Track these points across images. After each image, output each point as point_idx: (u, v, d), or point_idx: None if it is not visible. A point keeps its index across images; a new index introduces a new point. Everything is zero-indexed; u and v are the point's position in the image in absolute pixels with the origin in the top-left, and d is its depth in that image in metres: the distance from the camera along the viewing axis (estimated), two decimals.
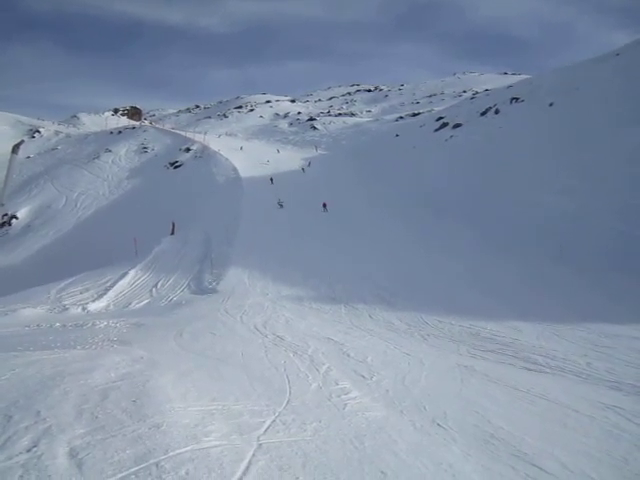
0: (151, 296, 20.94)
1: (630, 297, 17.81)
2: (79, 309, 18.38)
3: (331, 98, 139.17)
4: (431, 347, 12.48)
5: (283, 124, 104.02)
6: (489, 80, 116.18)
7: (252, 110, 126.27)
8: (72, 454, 4.35)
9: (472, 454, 5.97)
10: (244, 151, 65.08)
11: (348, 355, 10.70)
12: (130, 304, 19.64)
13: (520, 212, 30.56)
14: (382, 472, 5.05)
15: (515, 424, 7.11)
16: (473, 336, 13.43)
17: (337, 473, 4.85)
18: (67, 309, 18.24)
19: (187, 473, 4.24)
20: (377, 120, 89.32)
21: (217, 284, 21.61)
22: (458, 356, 11.57)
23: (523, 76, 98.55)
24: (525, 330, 14.04)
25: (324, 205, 37.78)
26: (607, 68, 46.11)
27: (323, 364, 9.64)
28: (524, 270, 22.68)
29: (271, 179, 47.69)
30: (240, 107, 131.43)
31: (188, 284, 22.44)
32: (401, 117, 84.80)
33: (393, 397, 7.97)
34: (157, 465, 4.33)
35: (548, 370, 10.51)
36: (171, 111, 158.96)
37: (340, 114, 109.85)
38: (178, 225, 33.33)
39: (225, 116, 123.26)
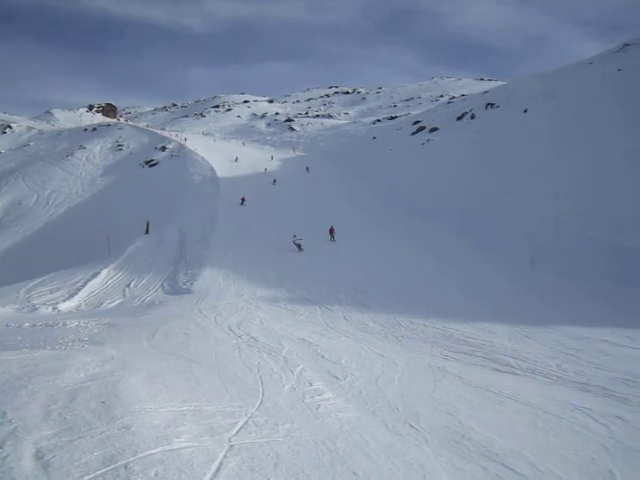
0: (124, 296, 20.66)
1: (601, 301, 18.21)
2: (49, 309, 18.04)
3: (309, 99, 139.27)
4: (405, 348, 12.55)
5: (261, 124, 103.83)
6: (466, 85, 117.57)
7: (230, 110, 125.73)
8: (38, 456, 4.26)
9: (443, 454, 6.02)
10: (220, 150, 64.65)
11: (322, 356, 10.69)
12: (102, 304, 19.35)
13: (495, 216, 31.00)
14: (354, 473, 5.05)
15: (486, 425, 7.18)
16: (446, 338, 13.55)
17: (309, 474, 4.84)
18: (37, 309, 17.89)
19: (157, 475, 4.18)
20: (355, 123, 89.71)
21: (191, 284, 21.43)
22: (431, 357, 11.66)
23: (499, 82, 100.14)
24: (497, 332, 14.23)
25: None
26: (581, 76, 47.09)
27: (297, 365, 9.62)
28: (498, 273, 23.01)
29: (274, 181, 48.42)
30: (217, 106, 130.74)
31: (162, 284, 22.20)
32: (378, 120, 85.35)
33: (366, 398, 7.99)
34: (126, 467, 4.26)
35: (519, 372, 10.65)
36: (147, 109, 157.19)
37: (318, 116, 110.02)
38: (153, 224, 32.94)
39: (202, 115, 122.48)
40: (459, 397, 8.53)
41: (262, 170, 55.05)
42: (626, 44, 52.21)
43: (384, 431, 6.59)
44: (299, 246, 27.32)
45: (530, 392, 9.04)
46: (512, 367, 10.96)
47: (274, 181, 48.16)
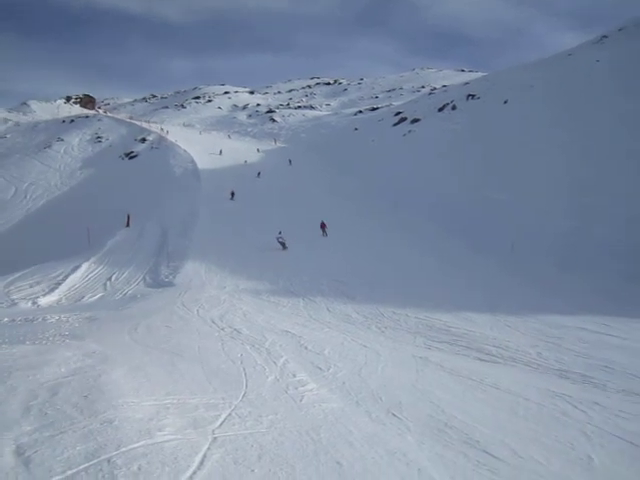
0: (105, 290, 20.46)
1: (578, 290, 18.51)
2: (29, 303, 17.79)
3: (290, 90, 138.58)
4: (388, 339, 12.63)
5: (242, 116, 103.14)
6: (447, 76, 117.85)
7: (210, 101, 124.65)
8: (19, 452, 4.22)
9: (426, 443, 6.08)
10: (202, 142, 64.10)
11: (306, 347, 10.71)
12: (83, 298, 19.13)
13: (478, 206, 31.26)
14: (337, 462, 5.09)
15: (468, 413, 7.27)
16: (428, 328, 13.66)
17: (293, 464, 4.87)
18: (16, 304, 17.63)
19: (140, 468, 4.17)
20: (336, 114, 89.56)
21: (174, 277, 21.29)
22: (414, 347, 11.76)
23: (479, 73, 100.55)
24: (479, 321, 14.38)
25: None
26: (560, 68, 47.53)
27: (280, 357, 9.62)
28: (475, 263, 23.23)
29: (258, 173, 48.01)
30: (198, 98, 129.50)
31: (144, 277, 22.02)
32: (360, 111, 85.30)
33: (349, 388, 8.03)
34: (109, 461, 4.24)
35: (500, 360, 10.79)
36: (126, 100, 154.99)
37: (299, 107, 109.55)
38: (134, 217, 32.61)
39: (183, 106, 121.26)
40: (442, 386, 8.62)
41: (243, 162, 54.76)
42: (604, 36, 52.85)
43: (367, 421, 6.63)
44: (283, 244, 26.02)
45: (511, 380, 9.17)
46: (493, 356, 11.10)
47: (259, 174, 47.78)
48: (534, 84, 46.18)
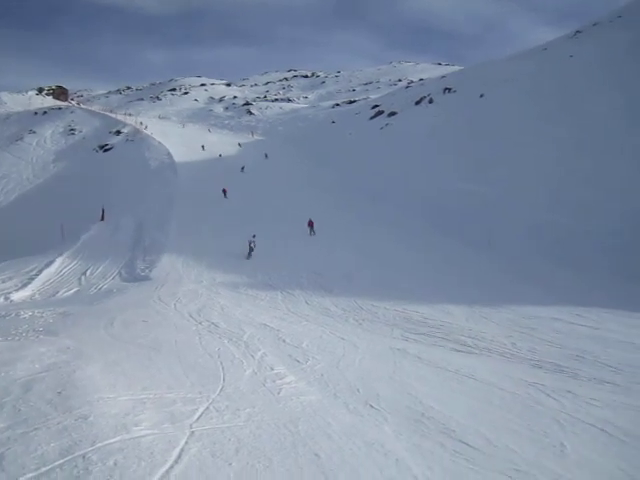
0: (80, 284, 20.16)
1: (552, 281, 18.82)
2: (1, 299, 17.43)
3: (267, 83, 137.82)
4: (366, 331, 12.70)
5: (218, 108, 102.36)
6: (424, 70, 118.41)
7: (186, 93, 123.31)
8: None
9: (403, 433, 6.14)
10: (180, 135, 63.39)
11: (284, 341, 10.72)
12: (57, 293, 18.83)
13: (453, 200, 31.52)
14: (315, 454, 5.11)
15: (444, 403, 7.36)
16: (406, 320, 13.76)
17: (270, 457, 4.88)
18: None
19: (115, 464, 4.14)
20: (314, 107, 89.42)
21: (150, 271, 21.07)
22: (391, 339, 11.84)
23: (456, 67, 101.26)
24: (455, 313, 14.54)
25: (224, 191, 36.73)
26: (535, 62, 48.10)
27: (258, 350, 9.61)
28: (454, 255, 23.45)
29: (242, 168, 46.95)
30: (174, 90, 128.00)
31: (119, 272, 21.76)
32: (337, 104, 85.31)
33: (328, 381, 8.06)
34: (84, 457, 4.20)
35: (476, 351, 10.93)
36: (100, 92, 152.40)
37: (277, 99, 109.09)
38: (109, 211, 32.18)
39: (158, 98, 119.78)
40: (419, 377, 8.70)
41: (224, 154, 54.32)
42: (578, 31, 53.61)
43: (345, 413, 6.67)
44: (251, 250, 23.20)
45: (486, 370, 9.30)
46: (469, 346, 11.24)
47: (242, 168, 46.66)
48: (509, 78, 46.67)
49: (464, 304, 15.57)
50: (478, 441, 6.04)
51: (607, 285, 18.15)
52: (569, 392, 8.00)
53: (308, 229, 27.87)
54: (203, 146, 56.93)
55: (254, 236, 23.32)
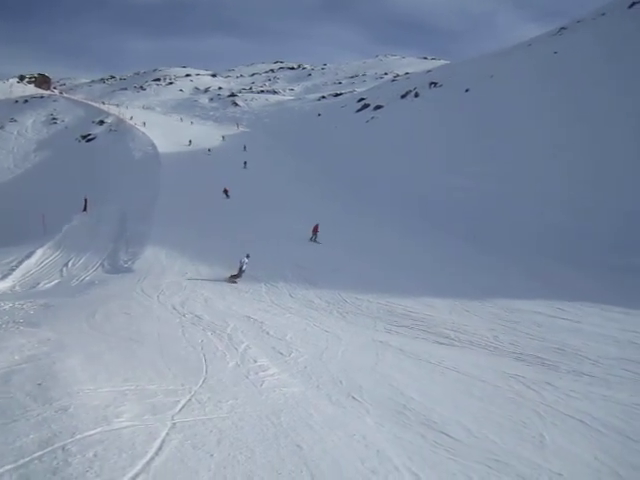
0: (61, 276, 19.91)
1: (535, 275, 18.99)
2: None
3: (253, 74, 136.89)
4: (349, 324, 12.74)
5: (203, 99, 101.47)
6: (410, 64, 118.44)
7: (171, 83, 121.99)
8: None
9: (385, 424, 6.19)
10: (162, 126, 62.75)
11: (267, 333, 10.71)
12: (38, 284, 18.58)
13: (438, 193, 31.66)
14: (297, 445, 5.13)
15: (426, 395, 7.42)
16: (389, 312, 13.82)
17: (252, 448, 4.88)
18: None
19: (95, 455, 4.11)
20: (300, 99, 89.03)
21: (133, 263, 20.84)
22: (374, 332, 11.90)
23: (442, 61, 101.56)
24: (438, 306, 14.62)
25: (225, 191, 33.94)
26: (520, 58, 48.36)
27: (242, 342, 9.60)
28: (438, 249, 23.58)
29: (244, 163, 45.00)
30: (158, 80, 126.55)
31: (102, 263, 21.50)
32: (323, 97, 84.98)
33: (311, 373, 8.08)
34: (63, 449, 4.17)
35: (458, 344, 11.03)
36: (83, 81, 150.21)
37: (262, 91, 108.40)
38: (91, 201, 31.77)
39: (142, 88, 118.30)
40: (401, 369, 8.76)
41: (205, 144, 53.85)
42: (562, 27, 53.97)
43: (328, 404, 6.70)
44: (240, 272, 18.07)
45: (468, 363, 9.39)
46: (452, 339, 11.34)
47: (245, 163, 44.86)
48: (494, 74, 46.88)
49: (447, 297, 15.66)
50: (459, 432, 6.11)
51: (591, 278, 18.36)
52: (549, 384, 8.11)
53: (311, 234, 24.90)
54: (190, 141, 54.79)
55: (248, 256, 18.64)
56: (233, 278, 17.88)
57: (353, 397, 7.08)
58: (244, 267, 18.29)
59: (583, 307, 14.29)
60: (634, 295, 15.35)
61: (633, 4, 45.59)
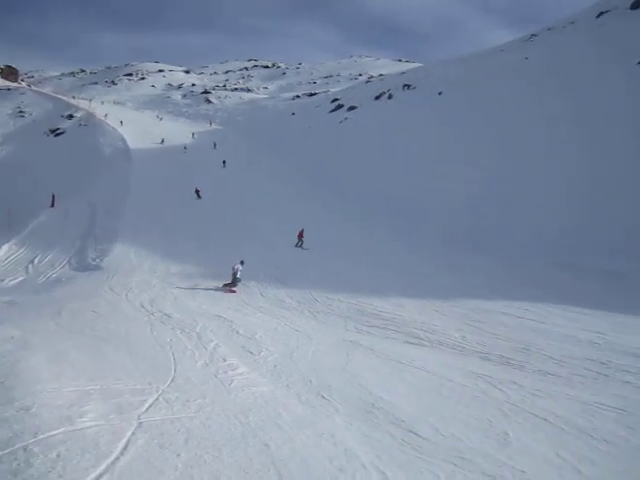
0: (27, 273, 19.51)
1: (502, 276, 19.31)
2: None
3: (227, 72, 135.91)
4: (320, 323, 12.77)
5: (176, 95, 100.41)
6: (384, 65, 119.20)
7: (143, 79, 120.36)
8: None
9: (354, 424, 6.22)
10: (133, 122, 61.81)
11: (237, 332, 10.66)
12: (3, 281, 18.18)
13: (408, 196, 31.93)
14: (265, 445, 5.12)
15: (395, 394, 7.49)
16: (360, 312, 13.88)
17: (220, 447, 4.86)
18: None
19: (58, 455, 4.04)
20: (274, 98, 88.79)
21: (101, 261, 20.53)
22: (345, 331, 11.95)
23: (416, 64, 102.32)
24: (408, 306, 14.75)
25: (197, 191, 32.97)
26: (492, 63, 49.09)
27: (211, 341, 9.54)
28: (411, 250, 23.77)
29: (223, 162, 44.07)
30: (130, 75, 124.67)
31: (69, 260, 21.14)
32: (298, 96, 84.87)
33: (280, 372, 8.07)
34: (25, 449, 4.08)
35: (427, 343, 11.15)
36: (53, 73, 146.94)
37: (236, 89, 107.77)
38: (59, 197, 31.16)
39: (114, 83, 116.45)
40: (371, 369, 8.82)
41: (178, 141, 53.24)
42: (533, 34, 55.04)
43: (297, 403, 6.71)
44: (236, 280, 16.77)
45: (437, 362, 9.50)
46: (421, 339, 11.45)
47: (224, 162, 43.90)
48: (468, 77, 47.49)
49: (419, 297, 15.81)
50: (426, 430, 6.18)
51: (556, 281, 18.73)
52: (514, 383, 8.26)
53: (296, 240, 23.84)
54: (163, 139, 53.60)
55: (242, 263, 17.26)
56: (228, 287, 16.69)
57: (323, 396, 7.10)
58: (238, 274, 16.87)
59: (547, 307, 14.58)
60: (601, 296, 15.69)
61: (600, 14, 46.78)
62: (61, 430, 4.53)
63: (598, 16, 46.79)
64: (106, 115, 62.19)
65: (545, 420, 6.77)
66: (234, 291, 16.41)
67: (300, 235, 23.96)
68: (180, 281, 17.33)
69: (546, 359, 9.82)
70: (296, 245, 23.80)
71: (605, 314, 13.74)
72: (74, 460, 4.03)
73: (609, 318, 13.36)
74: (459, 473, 5.22)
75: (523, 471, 5.33)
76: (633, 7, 43.51)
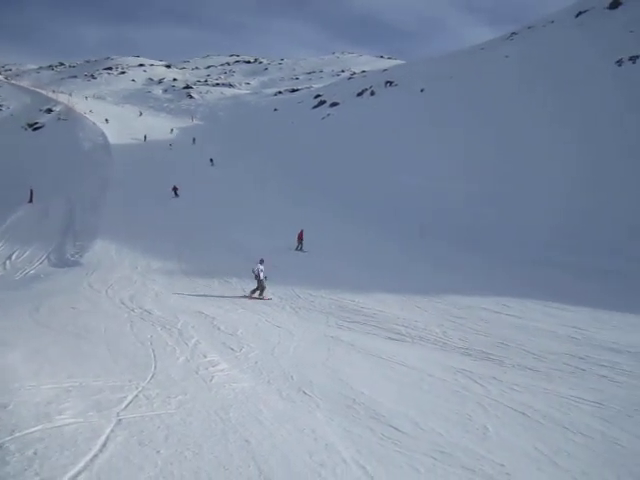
0: (4, 269, 19.23)
1: (478, 271, 19.51)
2: None
3: (209, 67, 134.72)
4: (301, 319, 12.77)
5: (157, 90, 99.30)
6: (366, 62, 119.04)
7: (123, 73, 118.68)
8: None
9: (334, 419, 6.24)
10: (113, 121, 61.06)
11: (218, 328, 10.62)
12: None
13: (386, 191, 32.11)
14: (246, 441, 5.12)
15: (376, 390, 7.52)
16: (341, 308, 13.91)
17: (200, 444, 4.84)
18: None
19: (35, 453, 3.99)
20: (256, 93, 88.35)
21: (81, 257, 20.31)
22: (326, 327, 11.96)
23: (398, 61, 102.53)
24: (390, 302, 14.81)
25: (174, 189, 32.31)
26: (473, 61, 49.45)
27: (192, 337, 9.49)
28: (389, 244, 23.88)
29: (210, 160, 43.58)
30: (110, 68, 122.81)
31: (48, 256, 20.86)
32: (280, 92, 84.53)
33: (262, 368, 8.06)
34: (1, 447, 4.04)
35: (409, 339, 11.21)
36: (31, 67, 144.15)
37: (218, 84, 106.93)
38: (38, 193, 30.70)
39: (93, 77, 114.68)
40: (352, 364, 8.85)
41: (158, 136, 52.76)
42: (514, 33, 55.50)
43: (278, 399, 6.71)
44: (259, 281, 14.99)
45: (418, 358, 9.56)
46: (402, 335, 11.51)
47: (211, 160, 43.47)
48: (449, 75, 47.77)
49: (399, 294, 15.89)
50: (406, 425, 6.22)
51: (534, 277, 18.97)
52: (494, 378, 8.35)
53: (296, 243, 22.85)
54: (146, 136, 52.43)
55: (262, 262, 15.48)
56: (256, 294, 14.84)
57: (304, 392, 7.11)
58: (262, 275, 14.96)
59: (526, 303, 14.75)
60: (588, 294, 15.86)
61: (579, 13, 47.36)
62: (39, 428, 4.48)
63: (577, 15, 47.36)
64: (91, 111, 61.02)
65: (523, 414, 6.86)
66: (268, 298, 14.65)
67: (300, 237, 22.86)
68: (161, 275, 17.20)
69: (525, 354, 9.95)
70: (296, 248, 22.72)
71: (586, 310, 13.95)
72: (52, 458, 3.98)
73: (590, 314, 13.57)
74: (439, 467, 5.26)
75: (502, 464, 5.39)
76: (611, 7, 44.15)
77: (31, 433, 4.35)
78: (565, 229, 23.09)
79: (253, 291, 15.01)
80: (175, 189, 32.76)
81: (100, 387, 6.00)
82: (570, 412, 6.96)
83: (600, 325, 12.35)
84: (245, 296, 14.91)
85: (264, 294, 14.90)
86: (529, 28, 54.02)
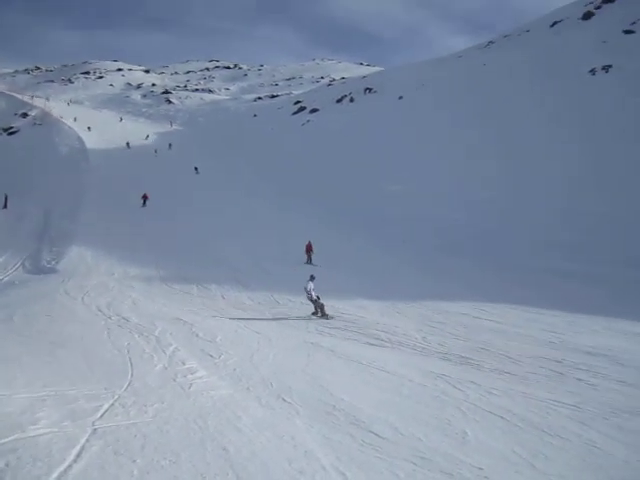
0: None
1: (459, 277, 19.64)
2: None
3: (188, 72, 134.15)
4: (281, 325, 12.73)
5: (136, 95, 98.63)
6: (346, 69, 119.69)
7: (101, 77, 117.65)
8: None
9: (314, 426, 6.20)
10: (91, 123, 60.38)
11: (197, 335, 10.52)
12: None
13: (371, 197, 32.23)
14: (224, 449, 5.06)
15: (355, 395, 7.51)
16: None
17: (178, 452, 4.77)
18: None
19: (7, 465, 3.89)
20: (236, 99, 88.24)
21: (57, 263, 19.99)
22: (306, 333, 11.93)
23: (377, 68, 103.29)
24: (370, 308, 14.85)
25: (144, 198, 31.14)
26: (451, 68, 50.09)
27: (170, 345, 9.38)
28: (376, 251, 23.93)
29: (195, 168, 42.56)
30: (87, 73, 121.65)
31: (23, 263, 20.50)
32: (260, 98, 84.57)
33: (240, 375, 8.00)
34: None
35: (389, 344, 11.23)
36: (6, 70, 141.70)
37: (197, 89, 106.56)
38: (12, 198, 30.17)
39: (70, 81, 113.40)
40: (331, 370, 8.83)
41: (138, 141, 52.31)
42: (491, 41, 56.41)
43: (257, 406, 6.65)
44: (315, 301, 13.85)
45: (398, 363, 9.58)
46: (382, 340, 11.52)
47: (196, 169, 42.45)
48: (427, 82, 48.33)
49: (379, 299, 15.93)
50: (386, 431, 6.21)
51: (509, 282, 19.15)
52: (473, 382, 8.40)
53: (305, 256, 21.65)
54: (128, 143, 51.08)
55: (312, 278, 14.34)
56: (319, 314, 13.75)
57: (283, 399, 7.07)
58: (314, 295, 13.91)
59: (504, 308, 14.88)
60: (571, 298, 16.02)
61: (554, 23, 48.34)
62: (12, 438, 4.37)
63: (552, 25, 48.32)
64: (75, 120, 59.03)
65: (502, 418, 6.91)
66: (331, 317, 13.58)
67: (308, 248, 21.49)
68: (139, 281, 17.00)
69: (503, 358, 10.03)
70: (306, 262, 21.36)
71: (566, 314, 14.06)
72: (24, 469, 3.89)
73: (569, 318, 13.71)
74: (419, 472, 5.26)
75: (480, 468, 5.41)
76: (585, 18, 45.14)
77: (3, 444, 4.24)
78: (560, 234, 23.22)
79: (314, 313, 13.90)
80: (145, 197, 31.43)
81: (75, 396, 5.89)
82: (548, 415, 7.03)
83: (578, 329, 12.51)
84: (310, 319, 13.68)
85: (326, 311, 13.72)
86: (505, 37, 54.97)
